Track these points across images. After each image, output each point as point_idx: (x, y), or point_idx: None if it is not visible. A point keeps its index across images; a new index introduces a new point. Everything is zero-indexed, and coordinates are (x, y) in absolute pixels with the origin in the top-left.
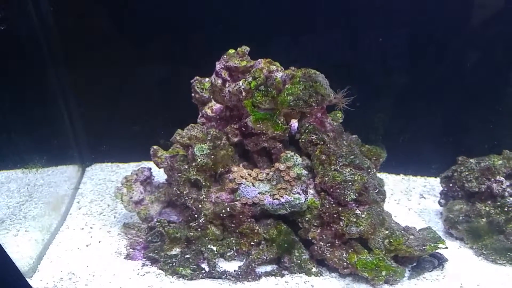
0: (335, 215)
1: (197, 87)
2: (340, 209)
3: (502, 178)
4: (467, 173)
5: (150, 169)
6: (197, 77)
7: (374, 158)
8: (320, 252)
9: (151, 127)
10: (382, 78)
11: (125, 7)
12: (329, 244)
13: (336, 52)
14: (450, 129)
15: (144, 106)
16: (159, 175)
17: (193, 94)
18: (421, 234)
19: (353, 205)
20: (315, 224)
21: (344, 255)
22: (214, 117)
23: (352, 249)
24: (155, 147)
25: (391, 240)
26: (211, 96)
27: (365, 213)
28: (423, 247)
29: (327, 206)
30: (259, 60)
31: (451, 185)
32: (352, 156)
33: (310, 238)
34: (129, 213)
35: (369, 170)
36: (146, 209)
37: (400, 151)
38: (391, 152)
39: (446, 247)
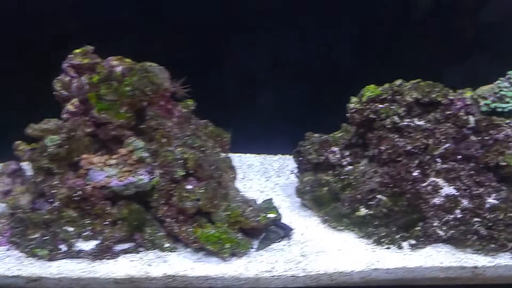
0: (170, 192)
1: (57, 86)
2: (173, 185)
3: (335, 149)
4: (309, 146)
5: (17, 162)
6: (58, 77)
7: (218, 138)
8: (170, 228)
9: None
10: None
11: None
12: (175, 220)
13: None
14: (305, 109)
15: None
16: None
17: (54, 93)
18: (259, 205)
19: (186, 181)
20: (162, 202)
21: (190, 229)
22: (76, 112)
23: (196, 224)
24: (17, 142)
25: (229, 213)
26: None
27: (202, 188)
28: (257, 218)
29: (164, 184)
30: (109, 57)
31: (300, 158)
32: (186, 138)
33: (159, 215)
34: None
35: (203, 149)
36: (15, 199)
37: (265, 132)
38: (256, 134)
39: (276, 216)
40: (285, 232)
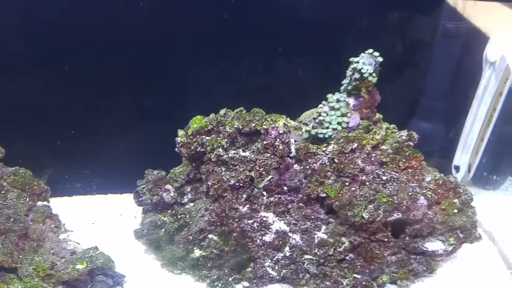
0: None
1: None
2: None
3: (169, 187)
4: (143, 186)
5: None
6: None
7: (27, 187)
8: None
9: None
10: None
11: None
12: None
13: None
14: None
15: None
16: None
17: None
18: (75, 256)
19: None
20: None
21: None
22: None
23: (0, 280)
24: None
25: (34, 267)
26: None
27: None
28: (67, 270)
29: None
30: None
31: (140, 199)
32: None
33: None
34: None
35: None
36: None
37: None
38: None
39: (85, 267)
40: (114, 280)
